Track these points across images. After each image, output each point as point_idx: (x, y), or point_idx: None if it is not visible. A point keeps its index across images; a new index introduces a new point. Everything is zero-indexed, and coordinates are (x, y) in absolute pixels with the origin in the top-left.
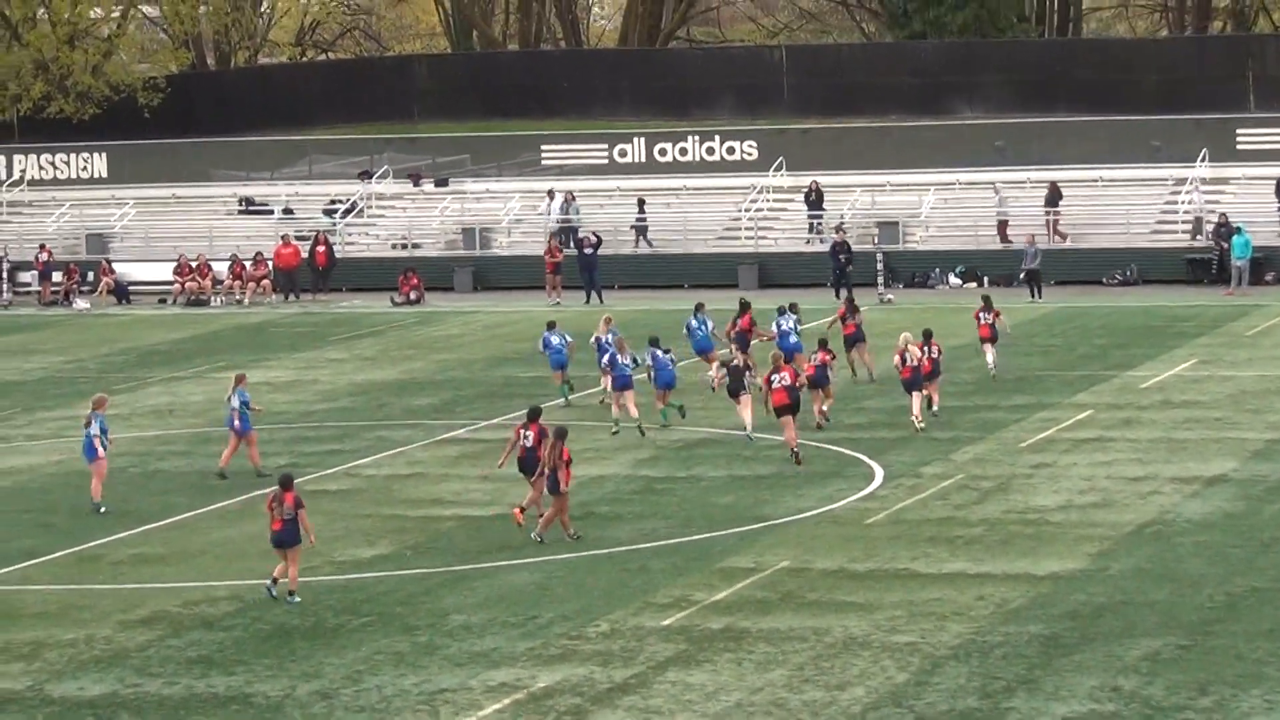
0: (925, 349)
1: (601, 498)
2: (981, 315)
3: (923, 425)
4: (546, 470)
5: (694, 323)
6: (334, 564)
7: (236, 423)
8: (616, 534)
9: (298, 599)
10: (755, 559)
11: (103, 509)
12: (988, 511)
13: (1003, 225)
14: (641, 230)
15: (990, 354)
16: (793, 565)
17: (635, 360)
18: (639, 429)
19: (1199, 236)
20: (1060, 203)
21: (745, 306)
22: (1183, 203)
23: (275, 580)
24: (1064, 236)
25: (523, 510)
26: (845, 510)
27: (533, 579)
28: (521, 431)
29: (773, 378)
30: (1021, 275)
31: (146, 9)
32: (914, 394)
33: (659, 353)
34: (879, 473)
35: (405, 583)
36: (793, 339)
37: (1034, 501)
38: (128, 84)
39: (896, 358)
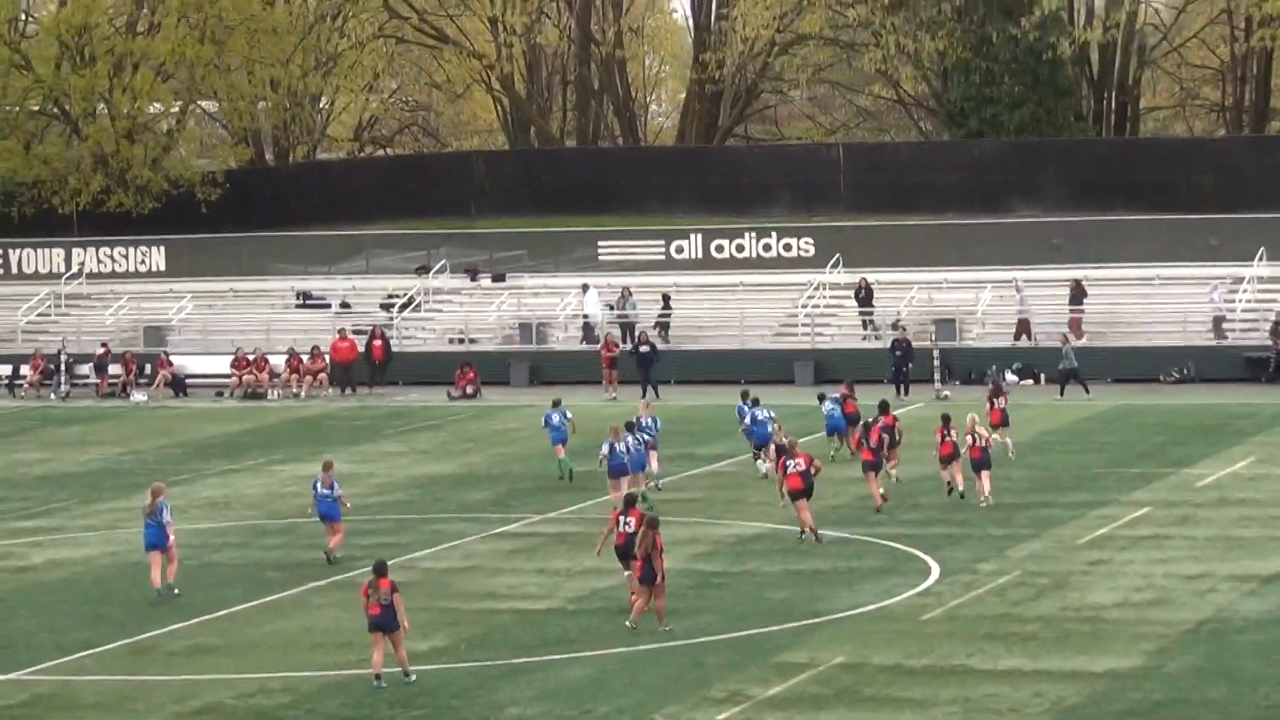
0: (945, 433)
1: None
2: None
3: (990, 503)
4: (639, 559)
5: (759, 414)
6: (389, 656)
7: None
8: (671, 629)
9: (413, 677)
10: (811, 654)
11: (175, 590)
12: (1044, 608)
13: (1023, 324)
14: (663, 326)
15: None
16: (848, 661)
17: (629, 448)
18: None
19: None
20: (1085, 300)
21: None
22: (1240, 301)
23: (379, 675)
24: (1061, 337)
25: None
26: (901, 606)
27: (588, 673)
28: (620, 518)
29: (788, 463)
30: (1061, 375)
31: (205, 104)
32: (983, 474)
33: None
34: (935, 569)
35: (460, 676)
36: (769, 428)
37: (1090, 599)
38: (186, 178)
39: (968, 437)
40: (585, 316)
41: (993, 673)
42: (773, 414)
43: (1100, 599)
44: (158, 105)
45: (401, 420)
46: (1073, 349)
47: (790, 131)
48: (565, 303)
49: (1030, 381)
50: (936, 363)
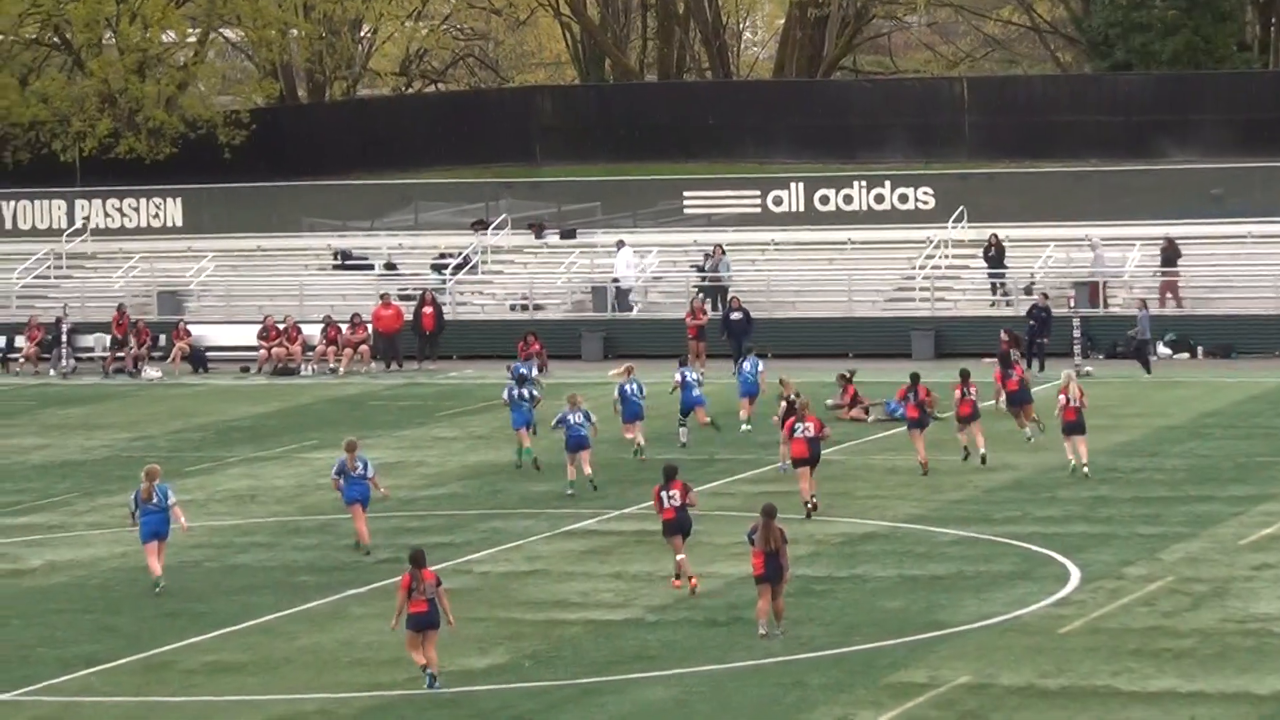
0: (964, 390)
1: (751, 600)
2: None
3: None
4: (761, 553)
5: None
6: (442, 675)
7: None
8: (767, 643)
9: (440, 683)
10: (930, 673)
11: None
12: (1201, 620)
13: (1095, 287)
14: (722, 291)
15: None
16: (973, 681)
17: (588, 417)
18: (591, 484)
19: None
20: (1180, 262)
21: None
22: None
23: (426, 667)
24: (1179, 302)
25: (678, 578)
26: (1035, 617)
27: (671, 694)
28: (663, 493)
29: (796, 425)
30: (1131, 346)
31: (228, 32)
32: (1076, 438)
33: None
34: (1075, 574)
35: (524, 697)
36: (695, 391)
37: (1256, 608)
38: (206, 119)
39: (1061, 397)
40: (616, 281)
41: (1141, 695)
42: (760, 366)
43: (1267, 609)
44: (172, 34)
45: (455, 401)
46: (1149, 317)
47: (906, 64)
48: (645, 264)
49: (1186, 355)
50: (1077, 334)
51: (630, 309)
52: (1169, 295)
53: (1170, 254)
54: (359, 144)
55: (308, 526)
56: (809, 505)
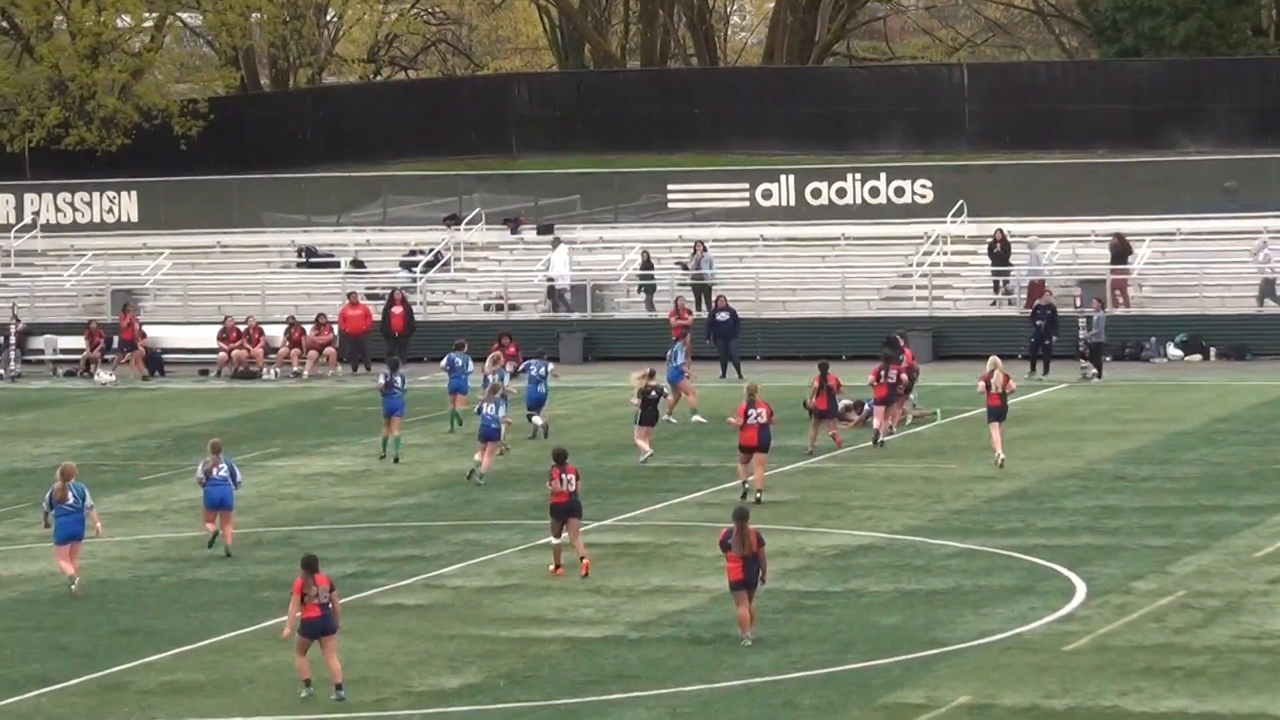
0: (882, 373)
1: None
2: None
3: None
4: (739, 558)
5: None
6: (411, 695)
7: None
8: (756, 661)
9: (344, 693)
10: (928, 693)
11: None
12: (1214, 637)
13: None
14: (649, 290)
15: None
16: (974, 701)
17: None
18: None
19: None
20: (1130, 259)
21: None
22: None
23: (309, 681)
24: (1095, 302)
25: (559, 566)
26: (1038, 634)
27: (654, 716)
28: (560, 475)
29: (749, 411)
30: (1084, 347)
31: (186, 16)
32: (995, 424)
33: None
34: (1080, 588)
35: (497, 719)
36: (540, 388)
37: (1271, 624)
38: (162, 108)
39: (981, 383)
40: (550, 280)
41: (1151, 716)
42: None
43: None
44: (127, 18)
45: (426, 405)
46: (1104, 318)
47: (903, 49)
48: (627, 260)
49: (1198, 356)
50: (1083, 334)
51: (569, 310)
52: (1119, 295)
53: (1120, 251)
54: (324, 135)
55: (270, 539)
56: (757, 495)
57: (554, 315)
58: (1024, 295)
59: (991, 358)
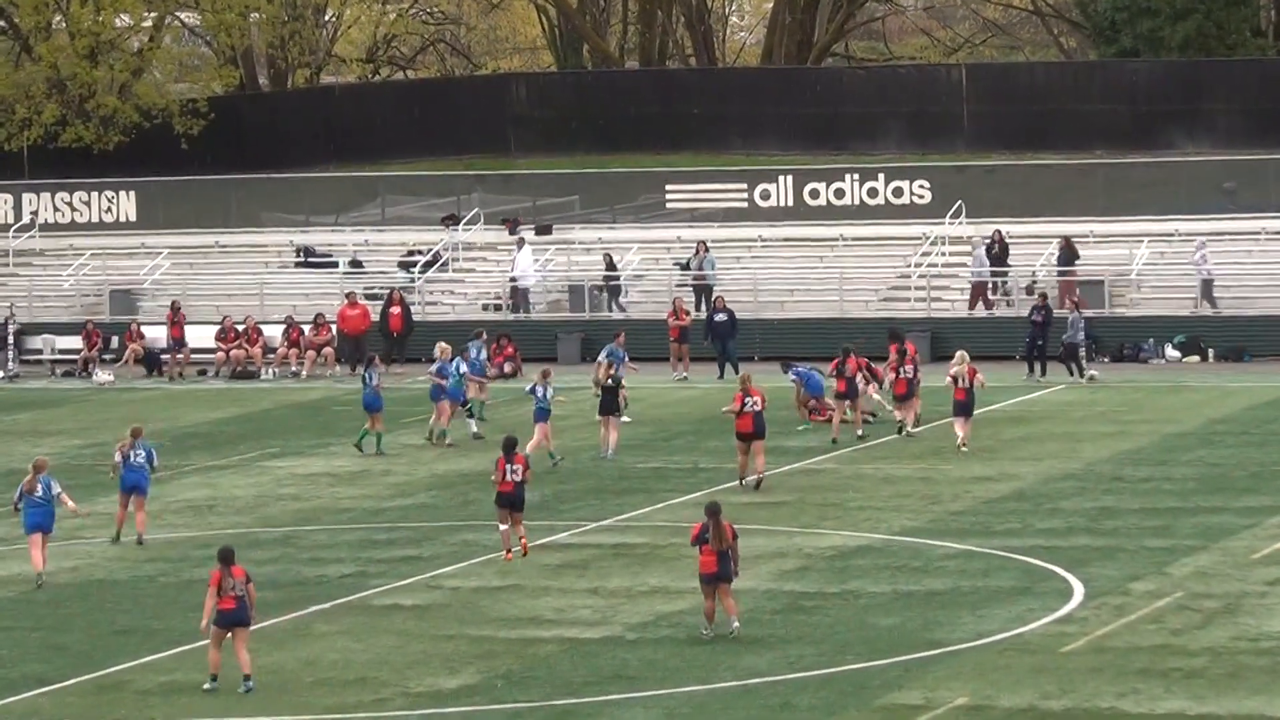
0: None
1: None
2: (957, 376)
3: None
4: (713, 553)
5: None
6: (409, 696)
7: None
8: (754, 662)
9: (253, 684)
10: (925, 694)
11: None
12: (1212, 638)
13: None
14: (613, 292)
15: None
16: (971, 702)
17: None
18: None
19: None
20: (1077, 262)
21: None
22: None
23: (215, 676)
24: (1070, 304)
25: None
26: (1036, 635)
27: (651, 717)
28: (506, 466)
29: (745, 400)
30: (1060, 350)
31: (185, 16)
32: (960, 418)
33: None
34: (1078, 589)
35: None
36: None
37: (1270, 626)
38: (161, 108)
39: (948, 379)
40: (514, 280)
41: (1149, 717)
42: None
43: None
44: (125, 18)
45: (424, 406)
46: (1082, 319)
47: (901, 50)
48: (626, 261)
49: (1196, 358)
50: (1080, 336)
51: (530, 310)
52: (1070, 299)
53: (1068, 255)
54: (323, 135)
55: (268, 539)
56: (757, 481)
57: (551, 315)
58: (1023, 296)
59: (959, 353)
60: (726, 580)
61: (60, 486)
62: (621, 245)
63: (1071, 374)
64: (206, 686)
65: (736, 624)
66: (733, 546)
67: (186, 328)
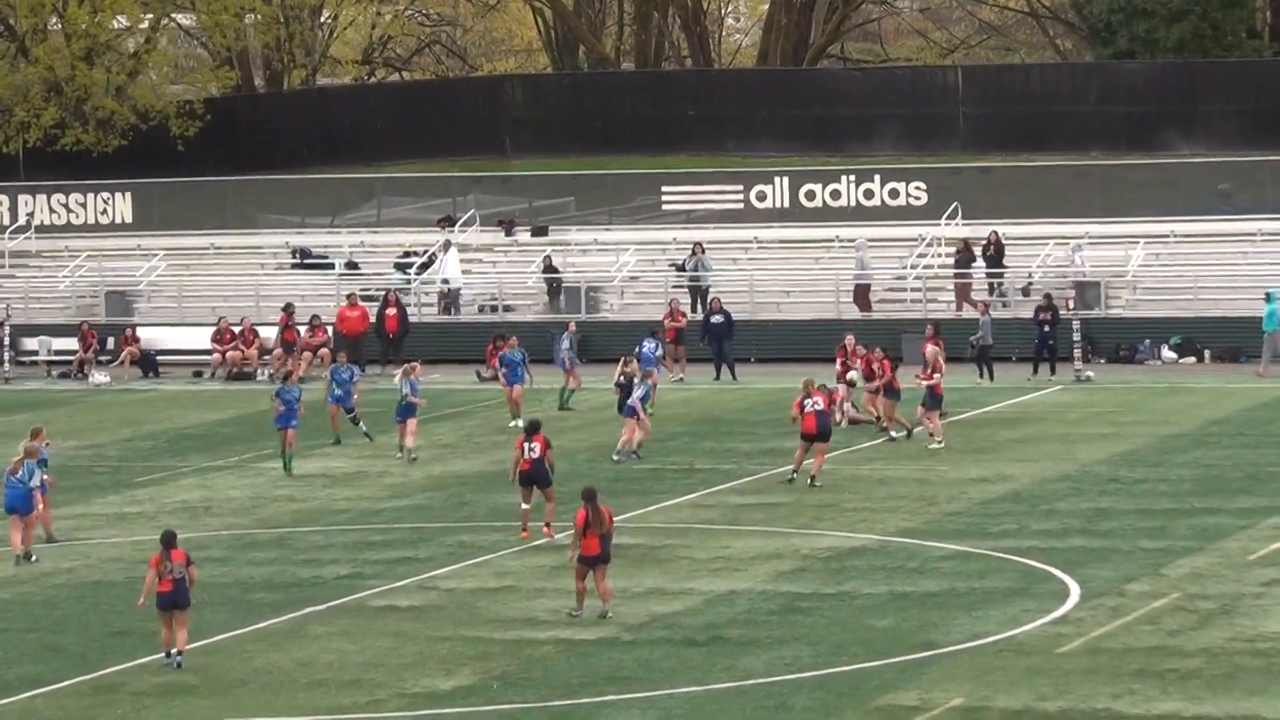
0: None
1: (732, 618)
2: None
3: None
4: (596, 537)
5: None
6: (405, 697)
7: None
8: (750, 663)
9: (182, 659)
10: (921, 695)
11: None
12: (1208, 639)
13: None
14: (554, 293)
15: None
16: (967, 704)
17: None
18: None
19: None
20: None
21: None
22: None
23: (169, 651)
24: (980, 306)
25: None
26: (1032, 636)
27: (648, 718)
28: (525, 445)
29: (805, 402)
30: (972, 352)
31: (181, 18)
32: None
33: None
34: (1074, 590)
35: None
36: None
37: (1265, 627)
38: (158, 109)
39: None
40: (444, 282)
41: (1145, 718)
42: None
43: (1277, 627)
44: (122, 20)
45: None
46: (990, 322)
47: (897, 51)
48: (620, 262)
49: (1192, 359)
50: (1077, 337)
51: (460, 312)
52: (972, 301)
53: (965, 257)
54: (319, 136)
55: (264, 540)
56: (812, 479)
57: (547, 316)
58: (1019, 297)
59: (931, 348)
60: (606, 561)
61: (44, 480)
62: (617, 246)
63: (981, 376)
64: (166, 663)
65: (608, 609)
66: (610, 531)
67: (186, 329)
